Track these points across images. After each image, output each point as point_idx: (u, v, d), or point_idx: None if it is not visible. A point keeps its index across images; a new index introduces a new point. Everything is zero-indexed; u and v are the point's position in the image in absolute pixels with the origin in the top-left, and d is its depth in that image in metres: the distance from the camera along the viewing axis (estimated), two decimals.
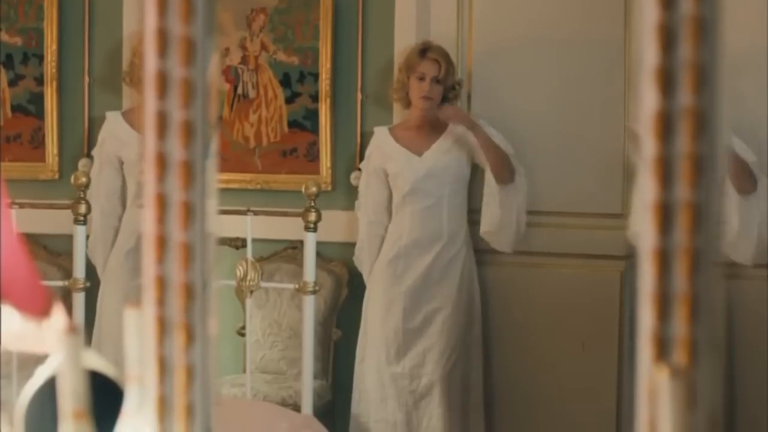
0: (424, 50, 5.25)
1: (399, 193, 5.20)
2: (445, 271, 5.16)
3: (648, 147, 0.89)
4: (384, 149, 5.26)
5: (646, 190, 0.88)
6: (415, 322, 5.11)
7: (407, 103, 5.28)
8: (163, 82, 1.04)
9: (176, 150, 1.04)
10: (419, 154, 5.22)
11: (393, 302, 5.13)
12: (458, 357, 5.14)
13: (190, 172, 1.04)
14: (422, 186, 5.17)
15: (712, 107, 0.88)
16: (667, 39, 0.88)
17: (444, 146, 5.23)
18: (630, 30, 5.20)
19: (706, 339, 0.87)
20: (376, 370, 5.14)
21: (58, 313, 2.13)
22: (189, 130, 1.04)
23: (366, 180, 5.31)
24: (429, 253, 5.14)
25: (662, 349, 0.87)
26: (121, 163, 5.42)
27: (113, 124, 5.46)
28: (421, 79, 5.20)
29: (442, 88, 5.23)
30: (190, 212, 1.04)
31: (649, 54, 0.89)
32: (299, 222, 4.57)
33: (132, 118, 5.40)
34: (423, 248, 5.14)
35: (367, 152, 5.32)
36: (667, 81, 0.88)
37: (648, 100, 0.89)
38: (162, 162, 1.05)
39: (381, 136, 5.31)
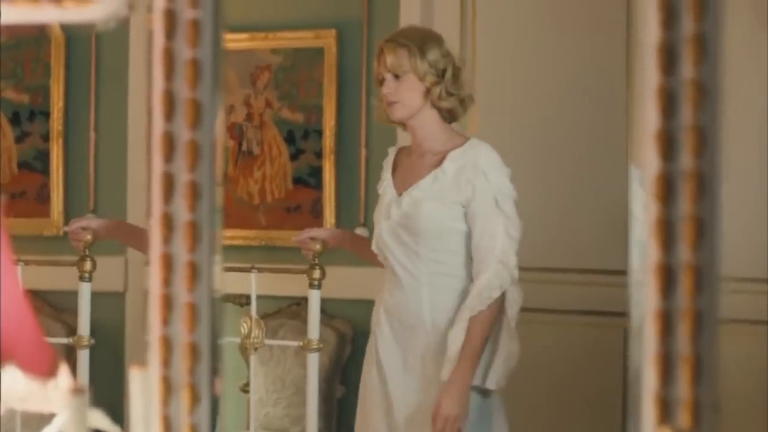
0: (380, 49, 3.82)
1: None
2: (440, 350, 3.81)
3: (650, 209, 0.89)
4: (384, 177, 3.97)
5: (648, 252, 0.89)
6: (421, 393, 3.96)
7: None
8: (170, 144, 1.05)
9: (182, 211, 1.05)
10: (399, 192, 3.83)
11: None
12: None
13: (196, 233, 1.05)
14: (390, 244, 3.79)
15: (712, 170, 0.89)
16: (668, 102, 0.89)
17: (433, 187, 3.75)
18: (633, 84, 5.22)
19: (709, 400, 0.87)
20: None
21: (64, 373, 2.13)
22: (195, 192, 1.05)
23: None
24: (414, 335, 3.80)
25: (666, 410, 0.87)
26: None
27: None
28: (381, 82, 3.78)
29: (416, 82, 3.74)
30: (196, 273, 1.05)
31: (650, 116, 0.90)
32: (303, 279, 4.56)
33: None
34: (404, 327, 3.81)
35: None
36: (668, 143, 0.89)
37: (650, 162, 0.90)
38: (168, 223, 1.05)
39: (387, 160, 3.99)
